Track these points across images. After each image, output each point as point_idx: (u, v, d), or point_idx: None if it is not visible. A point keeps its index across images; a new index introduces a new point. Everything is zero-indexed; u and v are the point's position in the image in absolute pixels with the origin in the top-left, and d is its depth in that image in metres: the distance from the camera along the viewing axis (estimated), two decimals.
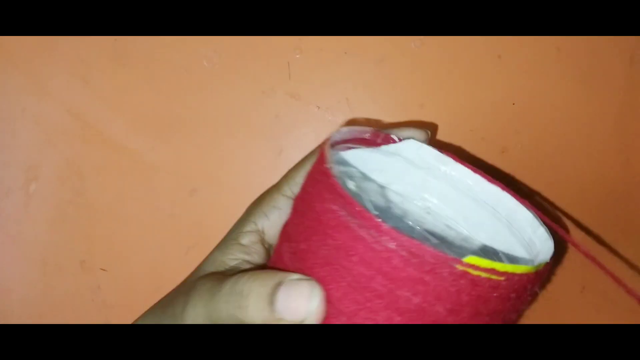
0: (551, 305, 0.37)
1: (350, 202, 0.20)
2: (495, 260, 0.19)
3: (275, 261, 0.25)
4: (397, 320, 0.20)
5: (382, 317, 0.20)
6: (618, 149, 0.37)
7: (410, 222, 0.29)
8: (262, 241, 0.27)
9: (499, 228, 0.27)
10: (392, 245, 0.19)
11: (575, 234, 0.37)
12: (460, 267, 0.19)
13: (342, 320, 0.21)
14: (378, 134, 0.27)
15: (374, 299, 0.20)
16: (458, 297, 0.19)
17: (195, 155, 0.37)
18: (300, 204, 0.24)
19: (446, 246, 0.28)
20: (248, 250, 0.27)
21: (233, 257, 0.27)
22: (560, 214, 0.37)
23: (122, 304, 0.38)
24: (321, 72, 0.36)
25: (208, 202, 0.37)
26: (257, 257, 0.27)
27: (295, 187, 0.27)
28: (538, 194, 0.37)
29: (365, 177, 0.29)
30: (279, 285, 0.21)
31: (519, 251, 0.26)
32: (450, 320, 0.20)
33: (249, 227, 0.27)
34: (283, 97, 0.37)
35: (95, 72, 0.36)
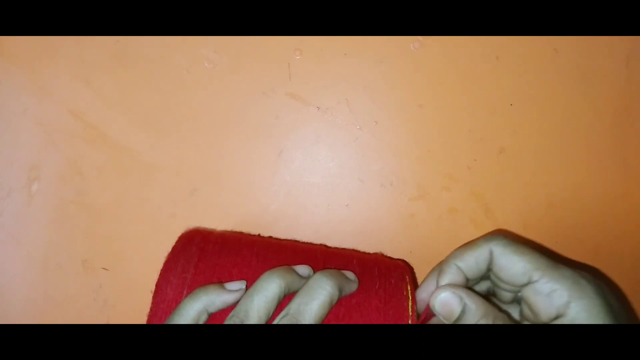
0: None
1: None
2: None
3: None
4: None
5: None
6: (615, 149, 0.37)
7: None
8: None
9: None
10: None
11: (574, 233, 0.37)
12: None
13: None
14: None
15: None
16: None
17: (195, 155, 0.37)
18: None
19: None
20: None
21: None
22: (557, 215, 0.37)
23: (123, 303, 0.38)
24: (321, 73, 0.37)
25: (208, 202, 0.37)
26: None
27: None
28: (535, 194, 0.37)
29: None
30: None
31: None
32: None
33: None
34: (283, 98, 0.37)
35: (97, 72, 0.37)
